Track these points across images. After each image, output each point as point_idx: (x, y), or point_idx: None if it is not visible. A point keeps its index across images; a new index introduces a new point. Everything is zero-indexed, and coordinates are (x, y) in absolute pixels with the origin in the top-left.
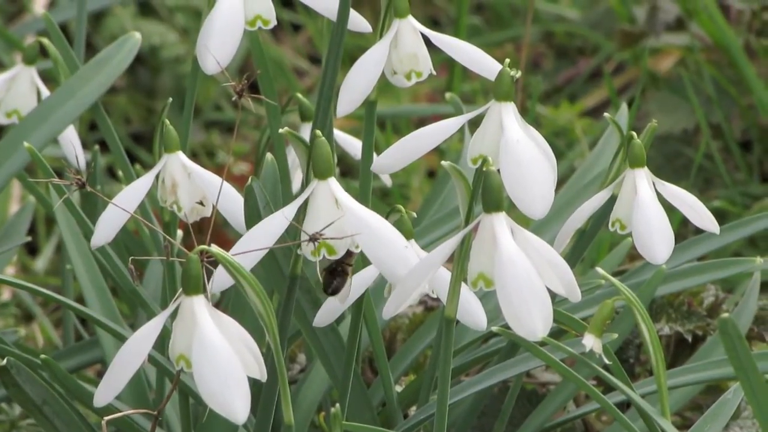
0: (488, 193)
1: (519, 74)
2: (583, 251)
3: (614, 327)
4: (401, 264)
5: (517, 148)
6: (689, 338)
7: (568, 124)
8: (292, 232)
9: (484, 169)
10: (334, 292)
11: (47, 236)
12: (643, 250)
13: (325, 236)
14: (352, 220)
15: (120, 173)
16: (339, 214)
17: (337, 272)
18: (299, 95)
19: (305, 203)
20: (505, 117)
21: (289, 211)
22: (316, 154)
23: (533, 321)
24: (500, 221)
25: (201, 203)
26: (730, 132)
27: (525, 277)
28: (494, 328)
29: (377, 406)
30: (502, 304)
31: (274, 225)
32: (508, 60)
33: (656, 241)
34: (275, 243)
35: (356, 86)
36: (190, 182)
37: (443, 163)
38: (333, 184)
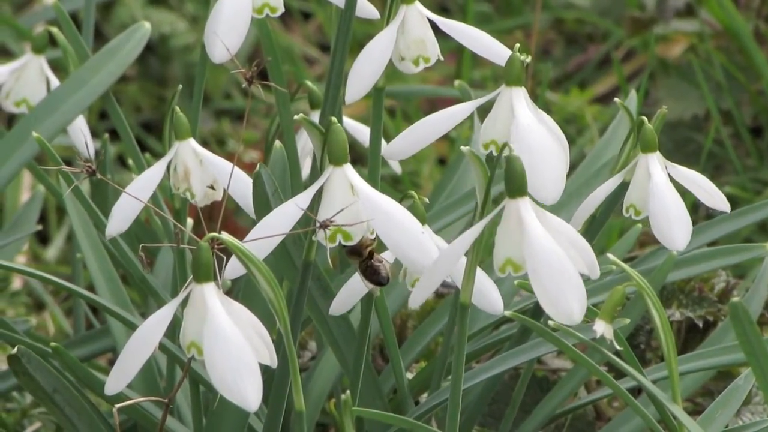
0: (512, 178)
1: (529, 59)
2: (594, 237)
3: (625, 313)
4: (417, 249)
5: (528, 132)
6: (700, 324)
7: (578, 110)
8: (305, 218)
9: (504, 155)
10: (387, 280)
11: (58, 225)
12: (662, 237)
13: (340, 222)
14: (368, 205)
15: (130, 162)
16: (354, 200)
17: (373, 267)
18: (308, 83)
19: (320, 190)
20: (516, 102)
21: (303, 198)
22: (331, 141)
23: (570, 305)
24: (526, 206)
25: (212, 187)
26: (740, 118)
27: (557, 262)
28: (507, 313)
29: (388, 393)
30: (536, 291)
31: (288, 212)
32: (518, 45)
33: (675, 227)
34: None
35: (364, 73)
36: (202, 169)
37: (463, 148)
38: (348, 170)
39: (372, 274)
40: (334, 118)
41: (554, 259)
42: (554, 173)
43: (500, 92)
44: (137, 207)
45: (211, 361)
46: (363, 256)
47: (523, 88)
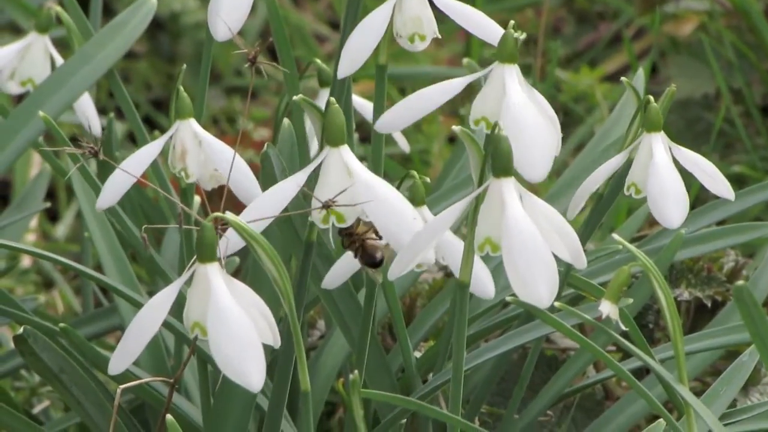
0: (497, 157)
1: (524, 36)
2: (602, 216)
3: (633, 292)
4: (408, 234)
5: (518, 111)
6: (709, 303)
7: (588, 89)
8: (310, 198)
9: (491, 132)
10: (380, 263)
11: (68, 203)
12: (658, 215)
13: (336, 204)
14: (361, 188)
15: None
16: (350, 182)
17: (366, 248)
18: (317, 61)
19: (317, 170)
20: (508, 79)
21: (300, 178)
22: (329, 122)
23: (538, 287)
24: (509, 186)
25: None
26: (750, 97)
27: (531, 242)
28: (508, 298)
29: (396, 372)
30: (507, 269)
31: (284, 191)
32: (512, 22)
33: (670, 205)
34: (288, 209)
35: (357, 48)
36: (200, 150)
37: (455, 128)
38: (345, 151)
39: (365, 255)
40: (333, 99)
41: (529, 241)
42: (543, 152)
43: (493, 69)
44: (129, 181)
45: (215, 341)
46: (354, 238)
47: (515, 65)
